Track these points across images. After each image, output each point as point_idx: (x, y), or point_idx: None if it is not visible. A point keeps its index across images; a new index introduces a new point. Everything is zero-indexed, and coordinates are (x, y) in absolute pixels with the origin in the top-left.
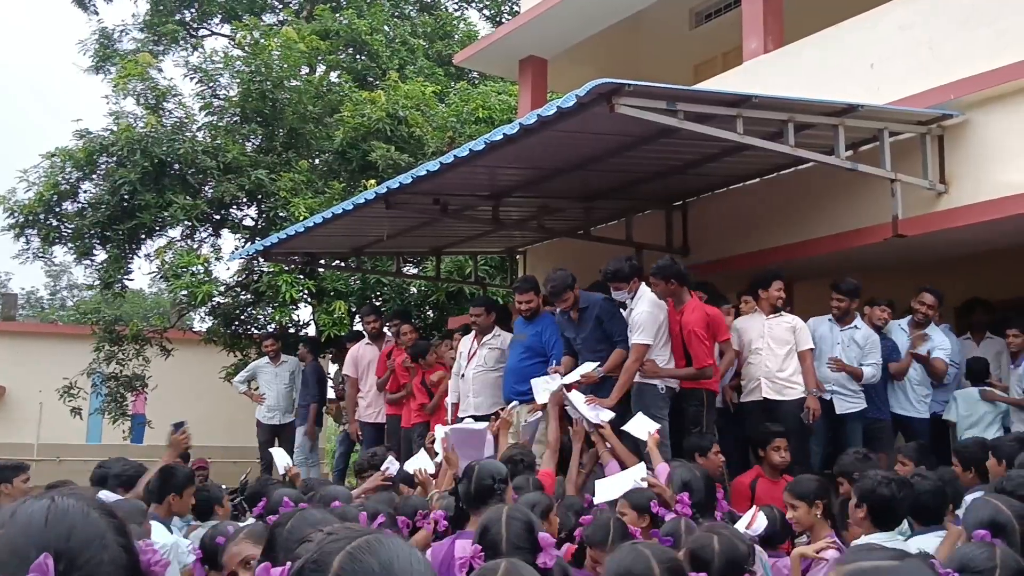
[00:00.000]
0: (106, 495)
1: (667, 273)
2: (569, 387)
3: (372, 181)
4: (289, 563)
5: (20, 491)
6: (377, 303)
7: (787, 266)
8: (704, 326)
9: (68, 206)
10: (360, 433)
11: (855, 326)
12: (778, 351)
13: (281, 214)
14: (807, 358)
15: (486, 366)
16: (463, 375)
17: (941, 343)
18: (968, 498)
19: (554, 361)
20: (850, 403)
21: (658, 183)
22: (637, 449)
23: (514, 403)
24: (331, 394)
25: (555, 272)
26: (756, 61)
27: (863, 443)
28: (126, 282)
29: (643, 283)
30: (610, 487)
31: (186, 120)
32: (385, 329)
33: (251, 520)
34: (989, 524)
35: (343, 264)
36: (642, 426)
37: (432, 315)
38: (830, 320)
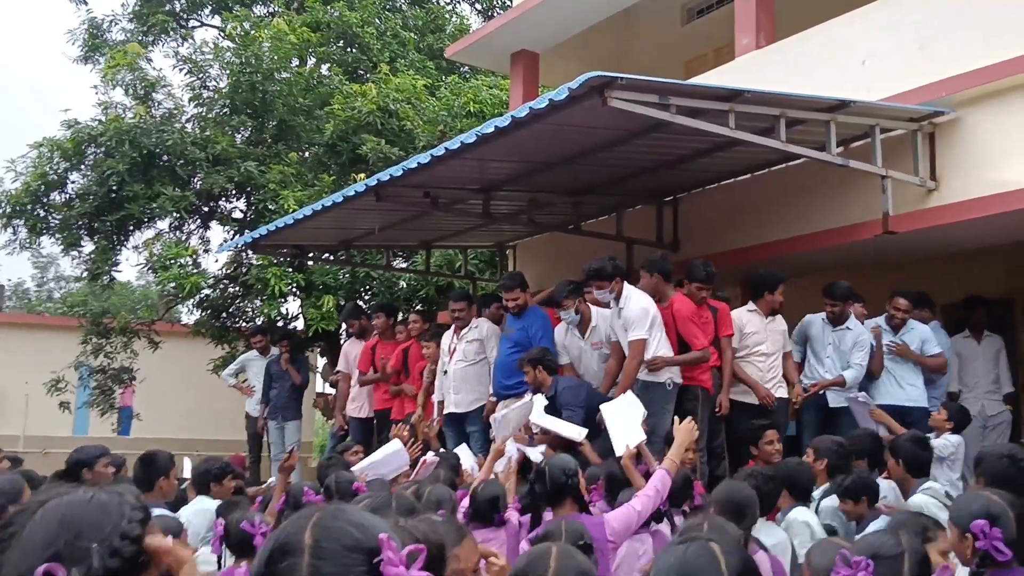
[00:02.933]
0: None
1: (656, 268)
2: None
3: (362, 175)
4: (245, 564)
5: None
6: (366, 297)
7: (777, 262)
8: (695, 314)
9: (56, 197)
10: (346, 427)
11: (847, 327)
12: (774, 355)
13: (270, 206)
14: (789, 359)
15: (466, 360)
16: (445, 371)
17: (923, 334)
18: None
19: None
20: (842, 397)
21: (649, 178)
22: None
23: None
24: (320, 387)
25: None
26: (748, 57)
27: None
28: (114, 274)
29: (626, 283)
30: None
31: (175, 111)
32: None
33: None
34: (985, 515)
35: (332, 257)
36: (625, 429)
37: (422, 309)
38: (823, 320)
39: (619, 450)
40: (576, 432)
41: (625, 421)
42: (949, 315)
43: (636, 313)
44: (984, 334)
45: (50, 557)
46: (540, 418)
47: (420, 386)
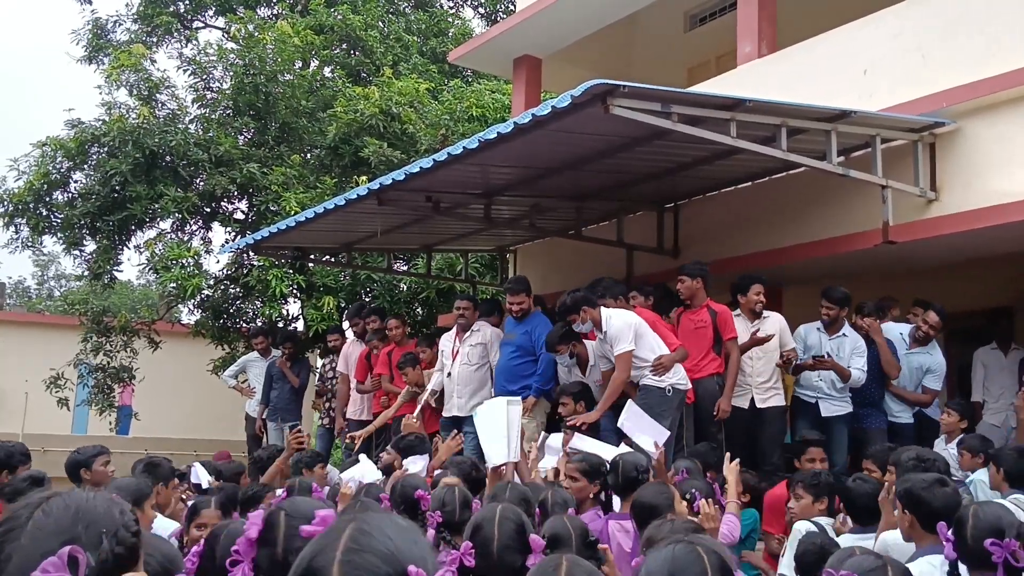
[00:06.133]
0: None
1: (609, 294)
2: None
3: (364, 178)
4: None
5: None
6: (367, 299)
7: (777, 270)
8: (658, 320)
9: (58, 196)
10: (346, 428)
11: (843, 334)
12: (763, 359)
13: (272, 208)
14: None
15: (469, 363)
16: (449, 374)
17: (932, 362)
18: None
19: (542, 361)
20: (835, 406)
21: (650, 184)
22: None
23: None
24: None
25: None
26: (750, 65)
27: (856, 449)
28: (115, 273)
29: (603, 308)
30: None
31: (178, 112)
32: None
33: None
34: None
35: (333, 259)
36: (645, 430)
37: (422, 312)
38: (819, 329)
39: (647, 446)
40: (610, 452)
41: (640, 428)
42: (949, 325)
43: (618, 329)
44: (1012, 346)
45: (65, 543)
46: (580, 442)
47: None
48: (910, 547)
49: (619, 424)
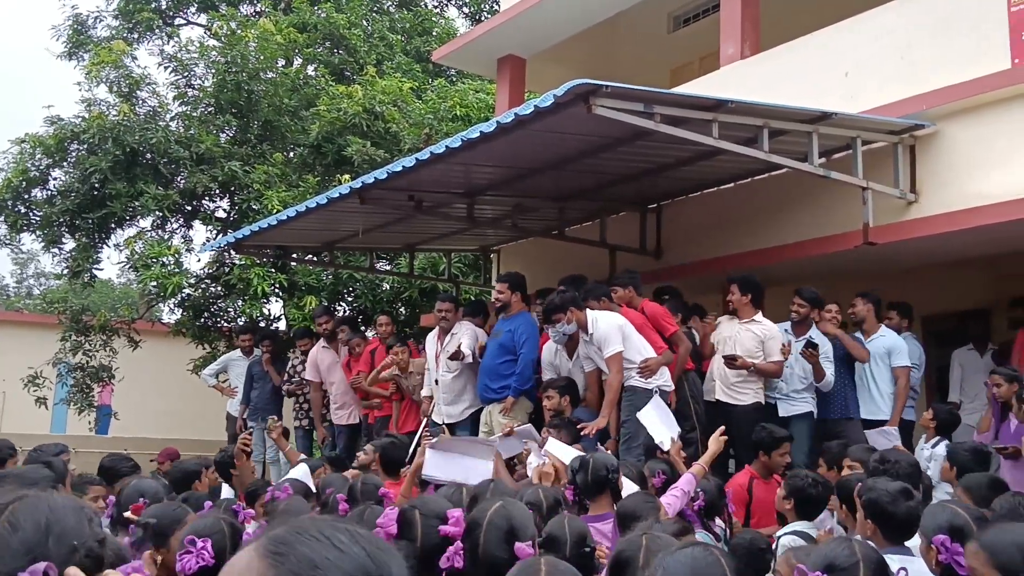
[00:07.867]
0: None
1: (594, 295)
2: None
3: (347, 176)
4: None
5: None
6: (349, 299)
7: (758, 271)
8: (645, 322)
9: (37, 193)
10: (328, 437)
11: (810, 336)
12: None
13: (254, 207)
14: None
15: (450, 370)
16: (436, 381)
17: (891, 344)
18: None
19: (521, 360)
20: (794, 406)
21: (633, 185)
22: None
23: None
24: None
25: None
26: (733, 66)
27: (822, 443)
28: (95, 271)
29: (588, 309)
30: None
31: (159, 109)
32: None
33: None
34: (947, 528)
35: (315, 258)
36: (661, 427)
37: (405, 312)
38: (786, 331)
39: (665, 444)
40: (571, 454)
41: (659, 420)
42: (929, 326)
43: (606, 331)
44: (988, 347)
45: (36, 559)
46: (550, 446)
47: (386, 387)
48: None
49: (639, 415)
